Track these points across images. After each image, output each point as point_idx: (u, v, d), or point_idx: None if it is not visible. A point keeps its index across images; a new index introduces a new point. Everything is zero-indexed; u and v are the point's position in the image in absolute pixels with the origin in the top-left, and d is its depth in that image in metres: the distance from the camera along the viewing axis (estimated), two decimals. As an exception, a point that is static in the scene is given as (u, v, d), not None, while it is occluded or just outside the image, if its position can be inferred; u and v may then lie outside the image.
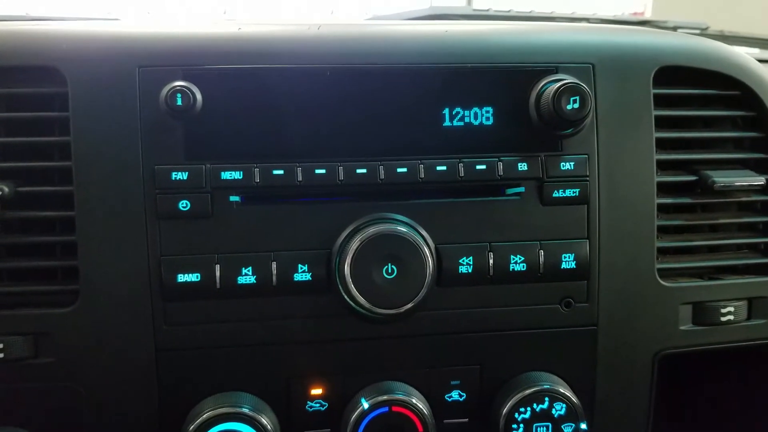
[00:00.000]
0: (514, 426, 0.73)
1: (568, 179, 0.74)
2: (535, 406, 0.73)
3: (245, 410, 0.69)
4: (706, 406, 0.95)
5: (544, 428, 0.73)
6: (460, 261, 0.72)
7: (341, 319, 0.72)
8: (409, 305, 0.69)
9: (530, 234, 0.74)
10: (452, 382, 0.75)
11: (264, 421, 0.69)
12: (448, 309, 0.74)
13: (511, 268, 0.73)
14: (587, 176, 0.75)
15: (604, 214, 0.76)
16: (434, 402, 0.74)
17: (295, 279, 0.70)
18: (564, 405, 0.73)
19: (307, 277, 0.70)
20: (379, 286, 0.69)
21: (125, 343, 0.70)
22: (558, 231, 0.75)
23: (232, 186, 0.70)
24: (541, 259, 0.73)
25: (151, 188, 0.69)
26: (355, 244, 0.68)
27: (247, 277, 0.69)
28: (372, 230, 0.69)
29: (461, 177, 0.73)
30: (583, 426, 0.74)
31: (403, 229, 0.70)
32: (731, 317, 0.79)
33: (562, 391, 0.73)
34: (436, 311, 0.73)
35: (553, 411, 0.73)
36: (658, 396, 0.80)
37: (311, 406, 0.74)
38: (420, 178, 0.72)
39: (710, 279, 0.80)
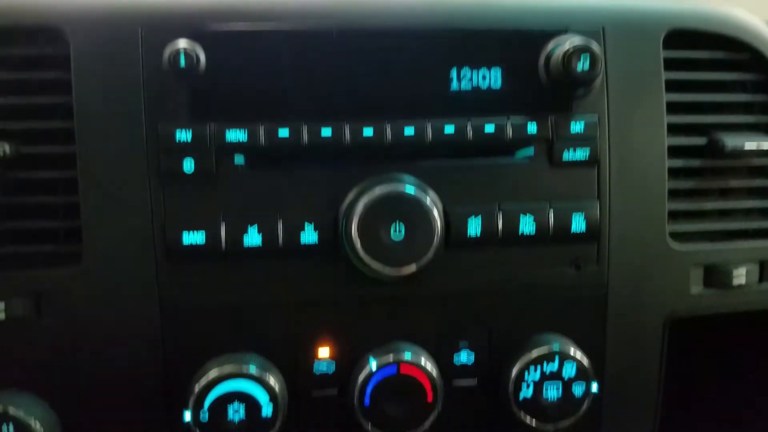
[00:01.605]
0: (524, 386, 0.72)
1: (578, 140, 0.73)
2: (545, 366, 0.72)
3: (252, 370, 0.68)
4: (717, 371, 0.94)
5: (554, 389, 0.73)
6: (469, 222, 0.71)
7: (349, 281, 0.71)
8: (417, 266, 0.69)
9: (540, 195, 0.73)
10: (461, 344, 0.75)
11: (271, 381, 0.69)
12: (457, 270, 0.73)
13: (520, 229, 0.72)
14: (597, 137, 0.74)
15: (615, 175, 0.75)
16: (443, 363, 0.74)
17: (302, 240, 0.69)
18: (574, 365, 0.72)
19: (314, 238, 0.70)
20: (386, 247, 0.68)
21: (129, 303, 0.69)
22: (568, 193, 0.74)
23: (236, 146, 0.69)
24: (551, 220, 0.72)
25: (154, 148, 0.68)
26: (362, 205, 0.68)
27: (253, 238, 0.69)
28: (379, 191, 0.68)
29: (469, 138, 0.72)
30: (594, 387, 0.73)
31: (411, 189, 0.69)
32: (743, 280, 0.78)
33: (572, 351, 0.73)
34: (445, 273, 0.73)
35: (563, 372, 0.72)
36: (669, 360, 0.79)
37: (318, 367, 0.73)
38: (428, 139, 0.71)
39: (721, 242, 0.79)
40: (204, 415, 0.67)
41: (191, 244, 0.68)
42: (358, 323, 0.73)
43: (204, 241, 0.68)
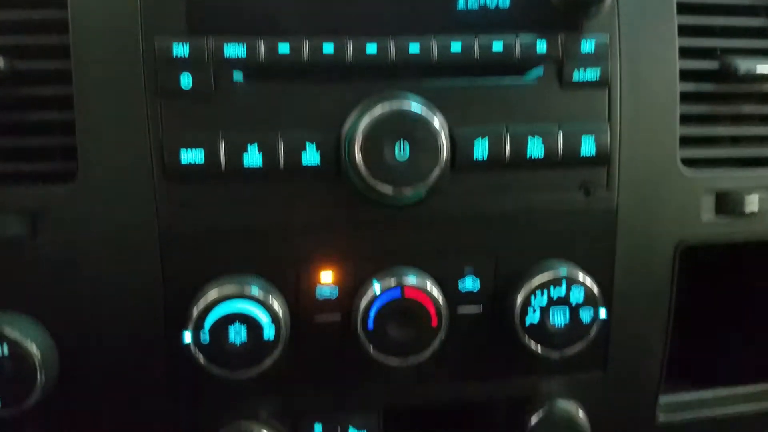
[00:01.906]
0: (531, 312, 0.71)
1: (588, 60, 0.71)
2: (552, 291, 0.71)
3: (253, 291, 0.67)
4: (728, 301, 0.93)
5: (562, 314, 0.72)
6: (476, 144, 0.69)
7: (352, 203, 0.69)
8: (421, 188, 0.67)
9: (549, 117, 0.71)
10: (466, 270, 0.73)
11: (273, 303, 0.68)
12: (463, 194, 0.71)
13: (528, 152, 0.70)
14: (608, 57, 0.71)
15: (626, 98, 0.72)
16: (447, 290, 0.72)
17: (304, 161, 0.67)
18: (582, 290, 0.71)
19: (316, 158, 0.68)
20: (390, 167, 0.66)
21: (126, 223, 0.68)
22: (578, 114, 0.71)
23: (235, 62, 0.66)
24: (560, 143, 0.70)
25: (151, 63, 0.66)
26: (365, 123, 0.65)
27: (253, 157, 0.67)
28: (383, 108, 0.66)
29: (477, 57, 0.69)
30: (602, 312, 0.72)
31: (416, 107, 0.66)
32: (755, 208, 0.76)
33: (580, 276, 0.71)
34: (450, 196, 0.71)
35: (571, 297, 0.71)
36: (679, 289, 0.78)
37: (321, 292, 0.72)
38: (433, 57, 0.69)
39: (733, 169, 0.77)
40: (204, 337, 0.66)
41: (189, 163, 0.66)
42: (361, 247, 0.71)
43: (203, 159, 0.66)
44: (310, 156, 0.68)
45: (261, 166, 0.66)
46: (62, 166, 0.68)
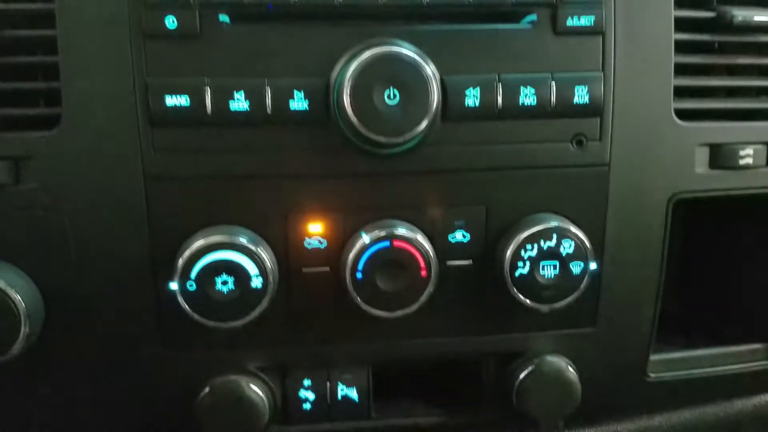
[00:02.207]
0: (520, 264, 0.70)
1: (583, 6, 0.69)
2: (542, 243, 0.70)
3: (240, 241, 0.66)
4: (720, 255, 0.93)
5: (552, 267, 0.71)
6: (467, 93, 0.68)
7: (341, 152, 0.68)
8: (412, 134, 0.65)
9: (542, 66, 0.69)
10: (456, 223, 0.72)
11: (262, 255, 0.67)
12: (454, 145, 0.70)
13: (520, 101, 0.69)
14: (603, 4, 0.69)
15: (620, 46, 0.71)
16: (437, 243, 0.71)
17: (291, 107, 0.66)
18: (573, 243, 0.70)
19: (304, 105, 0.66)
20: (380, 114, 0.65)
21: (111, 169, 0.66)
22: (571, 63, 0.70)
23: (221, 3, 0.65)
24: (553, 92, 0.69)
25: (136, 4, 0.64)
26: (354, 68, 0.64)
27: (239, 103, 0.65)
28: (372, 53, 0.64)
29: (469, 2, 0.68)
30: (593, 265, 0.71)
31: (407, 53, 0.65)
32: (750, 161, 0.75)
33: (571, 229, 0.70)
34: (441, 147, 0.70)
35: (561, 249, 0.70)
36: (672, 243, 0.77)
37: (310, 243, 0.71)
38: (425, 1, 0.67)
39: (728, 122, 0.76)
40: (191, 286, 0.65)
41: (175, 107, 0.64)
42: (350, 198, 0.70)
43: (188, 104, 0.64)
44: (298, 102, 0.66)
45: (248, 110, 0.65)
46: (46, 111, 0.66)
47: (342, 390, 0.78)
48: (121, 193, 0.67)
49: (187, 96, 0.65)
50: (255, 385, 0.73)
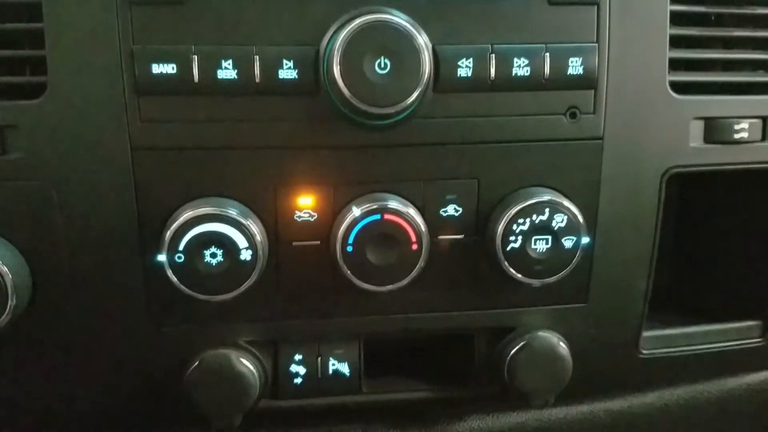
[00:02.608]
0: (512, 238, 0.70)
1: None
2: (534, 217, 0.69)
3: (231, 212, 0.65)
4: (713, 231, 0.92)
5: (544, 241, 0.70)
6: (459, 64, 0.67)
7: (331, 123, 0.67)
8: (403, 105, 0.64)
9: (535, 37, 0.68)
10: (448, 197, 0.72)
11: (252, 227, 0.66)
12: (445, 117, 0.69)
13: (513, 72, 0.68)
14: None
15: (615, 17, 0.70)
16: (429, 217, 0.71)
17: (280, 76, 0.65)
18: (565, 217, 0.70)
19: (293, 74, 0.65)
20: (370, 83, 0.63)
21: (97, 139, 0.65)
22: (565, 34, 0.69)
23: None
24: (547, 63, 0.68)
25: None
26: (344, 36, 0.62)
27: (227, 71, 0.64)
28: (363, 21, 0.63)
29: None
30: (585, 240, 0.71)
31: (399, 21, 0.63)
32: (744, 135, 0.74)
33: (564, 203, 0.70)
34: (433, 119, 0.69)
35: (554, 223, 0.70)
36: (665, 219, 0.77)
37: (300, 216, 0.70)
38: None
39: (723, 95, 0.75)
40: (179, 257, 0.65)
41: (161, 74, 0.63)
42: (340, 171, 0.69)
43: (175, 71, 0.63)
44: (287, 72, 0.65)
45: (236, 78, 0.64)
46: (31, 79, 0.65)
47: (333, 364, 0.78)
48: (107, 163, 0.66)
49: (174, 64, 0.63)
50: (245, 359, 0.72)
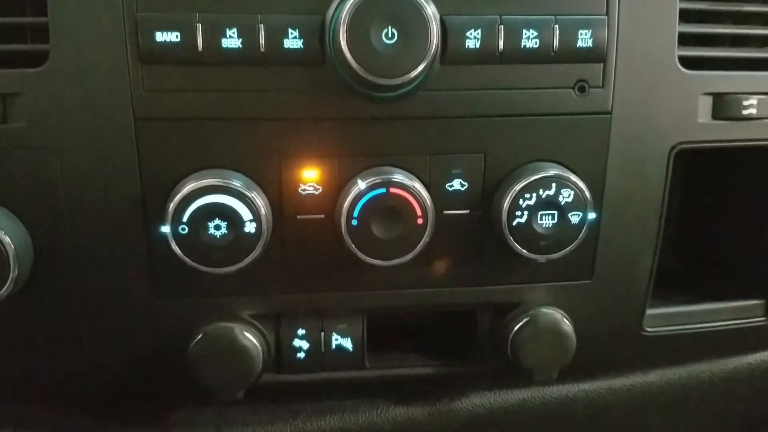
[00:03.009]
0: (518, 213, 0.69)
1: None
2: (540, 192, 0.69)
3: (235, 184, 0.65)
4: (718, 210, 0.92)
5: (550, 217, 0.70)
6: (468, 35, 0.66)
7: (337, 95, 0.66)
8: (410, 76, 0.63)
9: (545, 8, 0.67)
10: (454, 171, 0.71)
11: (256, 200, 0.66)
12: (452, 90, 0.68)
13: (522, 44, 0.67)
14: None
15: None
16: (434, 191, 0.70)
17: (285, 46, 0.64)
18: (572, 192, 0.69)
19: (299, 44, 0.64)
20: (377, 53, 0.62)
21: (100, 108, 0.64)
22: (575, 6, 0.68)
23: None
24: (556, 35, 0.67)
25: None
26: (350, 4, 0.61)
27: (232, 40, 0.63)
28: (370, -12, 0.62)
29: None
30: (592, 215, 0.70)
31: None
32: (753, 111, 0.74)
33: (571, 178, 0.69)
34: (439, 92, 0.68)
35: (560, 198, 0.69)
36: (670, 197, 0.76)
37: (304, 189, 0.69)
38: None
39: (732, 71, 0.74)
40: (183, 229, 0.64)
41: (165, 42, 0.62)
42: (345, 144, 0.69)
43: (179, 39, 0.62)
44: (293, 41, 0.64)
45: (240, 47, 0.63)
46: (34, 47, 0.64)
47: (336, 339, 0.78)
48: (110, 133, 0.65)
49: (178, 32, 0.62)
50: (249, 332, 0.72)
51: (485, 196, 0.72)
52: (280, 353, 0.77)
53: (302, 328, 0.77)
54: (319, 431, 0.80)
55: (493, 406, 0.84)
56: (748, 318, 0.87)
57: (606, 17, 0.68)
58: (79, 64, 0.64)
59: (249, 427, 0.79)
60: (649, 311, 0.82)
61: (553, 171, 0.69)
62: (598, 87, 0.70)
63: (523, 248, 0.71)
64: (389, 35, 0.63)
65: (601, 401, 0.87)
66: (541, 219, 0.70)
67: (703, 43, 0.75)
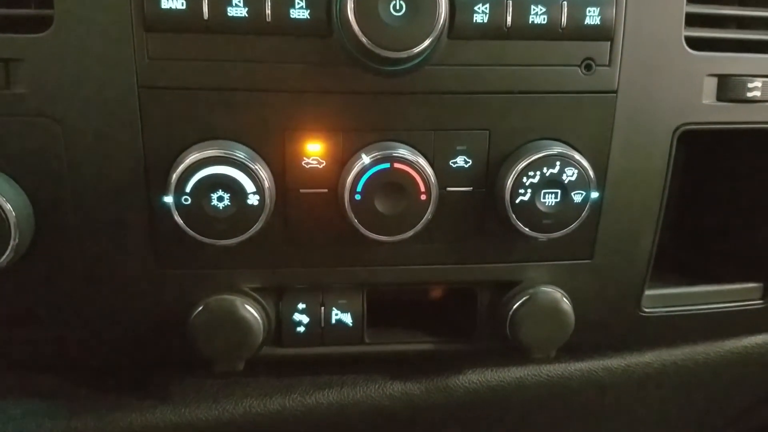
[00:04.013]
0: (521, 191, 0.69)
1: None
2: (544, 170, 0.69)
3: (239, 156, 0.64)
4: (718, 193, 0.93)
5: (553, 195, 0.70)
6: (476, 9, 0.65)
7: (343, 68, 0.66)
8: (417, 50, 0.63)
9: None
10: (458, 148, 0.71)
11: (260, 172, 0.65)
12: (459, 65, 0.68)
13: (530, 20, 0.66)
14: None
15: None
16: (438, 168, 0.70)
17: (292, 16, 0.63)
18: (576, 171, 0.69)
19: (305, 14, 0.64)
20: (384, 26, 0.62)
21: (104, 75, 0.64)
22: None
23: None
24: (564, 12, 0.66)
25: None
26: (360, -24, 0.61)
27: (238, 9, 0.63)
28: (379, -40, 0.61)
29: None
30: (594, 194, 0.70)
31: None
32: (758, 93, 0.74)
33: (575, 156, 0.69)
34: (446, 66, 0.68)
35: (564, 177, 0.69)
36: (674, 174, 0.76)
37: (308, 163, 0.69)
38: None
39: (738, 53, 0.74)
40: (186, 200, 0.64)
41: (171, 9, 0.62)
42: (350, 118, 0.68)
43: (185, 7, 0.62)
44: (299, 11, 0.63)
45: (246, 16, 0.62)
46: (38, 12, 0.63)
47: (336, 314, 0.78)
48: (113, 101, 0.64)
49: (183, 0, 0.62)
50: (249, 305, 0.72)
51: (489, 174, 0.72)
52: (280, 327, 0.78)
53: (303, 302, 0.77)
54: (317, 405, 0.81)
55: (490, 383, 0.85)
56: (745, 301, 0.88)
57: (614, -5, 0.68)
58: (83, 30, 0.63)
59: (248, 399, 0.80)
60: (648, 292, 0.83)
61: (557, 149, 0.69)
62: (604, 65, 0.70)
63: (525, 226, 0.71)
64: (397, 7, 0.62)
65: (598, 380, 0.88)
66: (544, 197, 0.70)
67: (710, 24, 0.74)
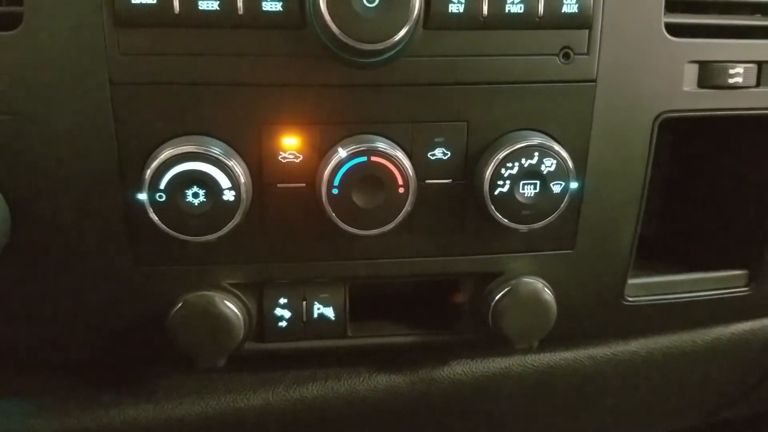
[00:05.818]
0: (500, 183, 0.69)
1: None
2: (523, 161, 0.68)
3: (214, 151, 0.64)
4: (700, 180, 0.92)
5: (532, 186, 0.70)
6: None
7: (318, 61, 0.65)
8: (392, 41, 0.62)
9: None
10: (436, 140, 0.70)
11: (236, 167, 0.65)
12: (435, 56, 0.67)
13: (507, 9, 0.65)
14: None
15: None
16: (416, 160, 0.69)
17: (264, 8, 0.63)
18: (555, 161, 0.69)
19: (278, 6, 0.63)
20: (358, 17, 0.61)
21: (75, 72, 0.63)
22: None
23: None
24: (541, 0, 0.66)
25: None
26: (328, -32, 0.60)
27: (209, 2, 0.62)
28: (350, -51, 0.61)
29: None
30: (574, 185, 0.70)
31: None
32: (739, 80, 0.73)
33: (554, 147, 0.69)
34: (422, 58, 0.67)
35: (542, 167, 0.69)
36: (655, 163, 0.76)
37: (284, 157, 0.69)
38: None
39: (719, 39, 0.73)
40: (160, 196, 0.63)
41: (141, 4, 0.61)
42: (326, 111, 0.68)
43: (156, 1, 0.61)
44: (271, 3, 0.63)
45: (218, 9, 0.61)
46: (7, 10, 0.62)
47: (318, 309, 0.78)
48: (86, 98, 0.64)
49: None
50: (229, 301, 0.72)
51: (468, 165, 0.71)
52: (262, 322, 0.77)
53: (284, 297, 0.77)
54: (301, 399, 0.81)
55: (475, 374, 0.85)
56: (730, 288, 0.88)
57: (592, -18, 0.67)
58: (54, 27, 0.62)
59: (232, 395, 0.80)
60: (631, 281, 0.83)
61: (536, 140, 0.69)
62: (583, 54, 0.69)
63: (505, 218, 0.71)
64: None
65: (583, 370, 0.88)
66: (523, 188, 0.70)
67: (691, 9, 0.73)
